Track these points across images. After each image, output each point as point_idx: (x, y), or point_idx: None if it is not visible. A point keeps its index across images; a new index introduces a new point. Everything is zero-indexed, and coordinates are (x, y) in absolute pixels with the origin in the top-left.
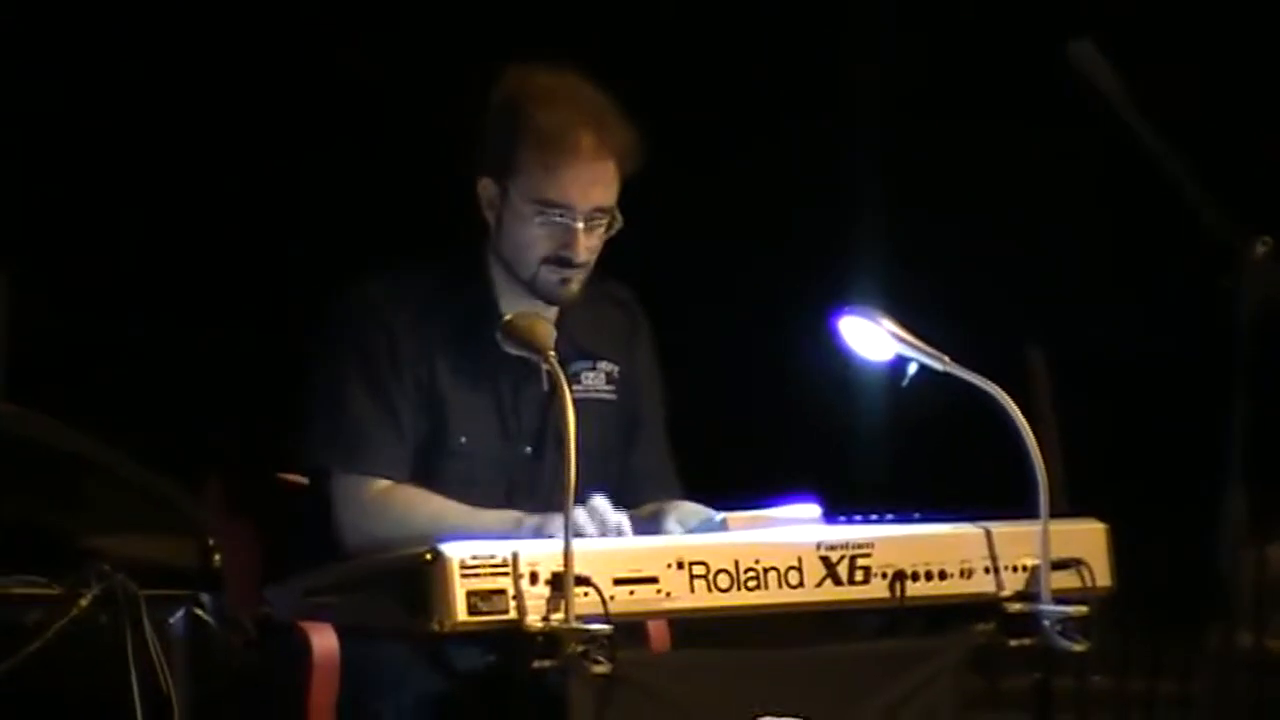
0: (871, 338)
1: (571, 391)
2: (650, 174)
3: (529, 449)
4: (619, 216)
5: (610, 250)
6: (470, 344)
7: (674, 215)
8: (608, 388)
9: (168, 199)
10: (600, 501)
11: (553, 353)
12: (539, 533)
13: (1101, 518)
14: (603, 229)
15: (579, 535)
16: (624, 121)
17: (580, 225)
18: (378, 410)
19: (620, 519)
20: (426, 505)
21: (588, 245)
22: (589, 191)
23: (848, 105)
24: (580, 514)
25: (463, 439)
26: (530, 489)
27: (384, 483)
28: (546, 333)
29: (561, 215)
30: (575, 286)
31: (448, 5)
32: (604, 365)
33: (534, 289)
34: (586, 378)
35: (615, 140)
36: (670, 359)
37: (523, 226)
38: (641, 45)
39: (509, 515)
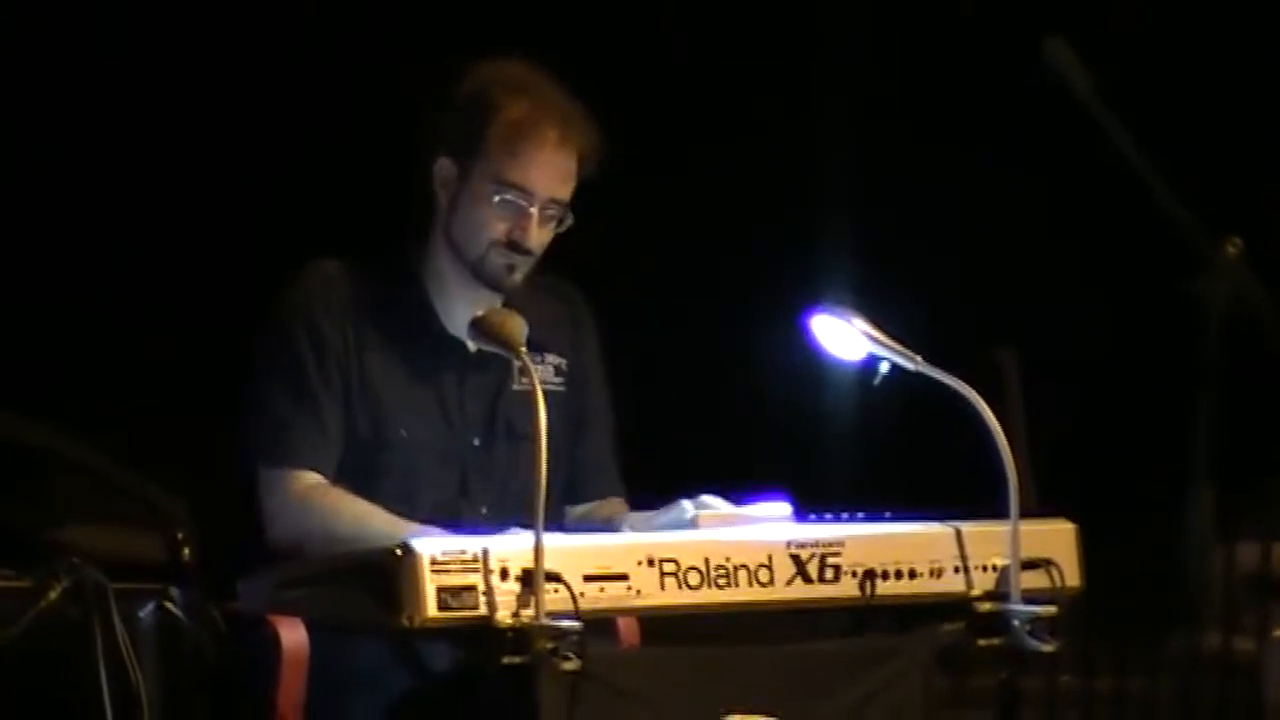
0: (843, 337)
1: (521, 383)
2: (621, 171)
3: (476, 440)
4: (570, 215)
5: (581, 248)
6: (407, 336)
7: (645, 213)
8: (556, 379)
9: (140, 193)
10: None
11: (524, 349)
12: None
13: (1069, 517)
14: (554, 223)
15: None
16: (589, 123)
17: (535, 211)
18: (299, 405)
19: None
20: (352, 510)
21: (539, 235)
22: (550, 180)
23: (818, 103)
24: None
25: (403, 432)
26: (483, 479)
27: (307, 477)
28: (518, 328)
29: (519, 198)
30: (519, 276)
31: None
32: (551, 357)
33: (480, 272)
34: (536, 369)
35: (579, 138)
36: (642, 357)
37: (479, 207)
38: (611, 44)
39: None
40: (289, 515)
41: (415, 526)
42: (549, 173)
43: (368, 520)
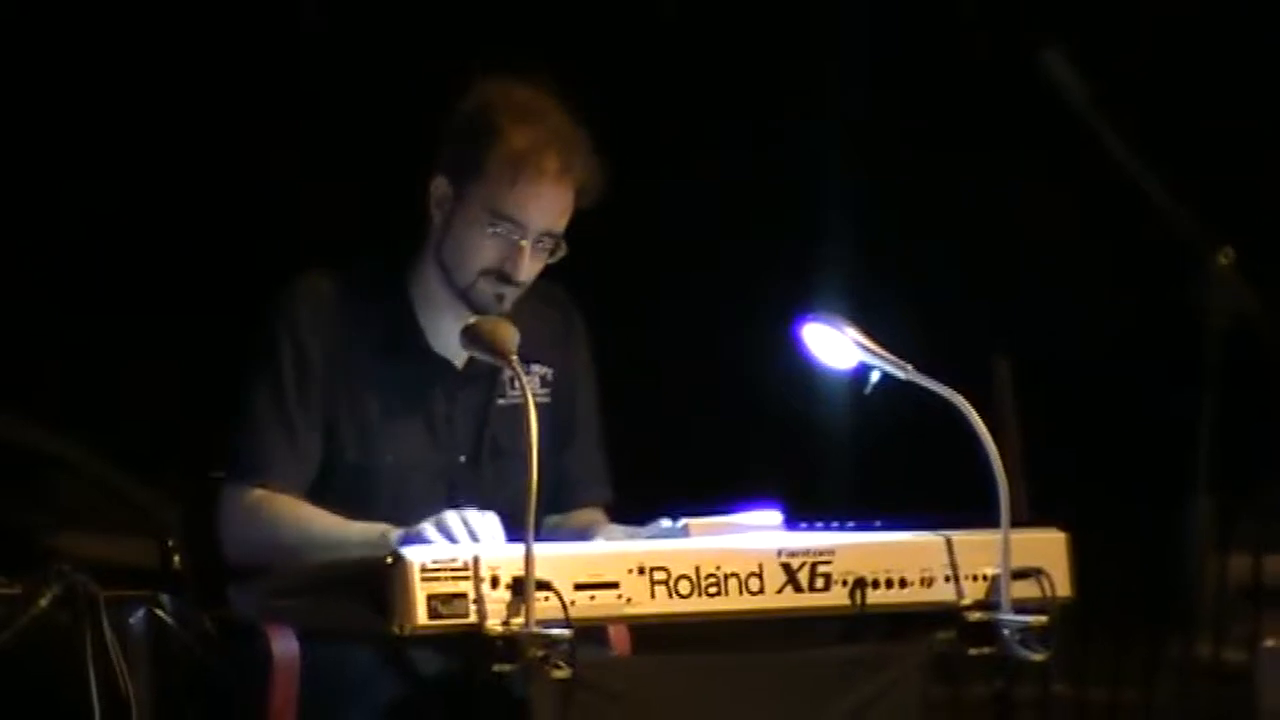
0: (835, 345)
1: (508, 396)
2: (620, 172)
3: (463, 457)
4: (564, 245)
5: (579, 250)
6: (395, 355)
7: (641, 219)
8: (542, 391)
9: (141, 194)
10: (472, 514)
11: (515, 357)
12: (407, 542)
13: (1064, 525)
14: (547, 254)
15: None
16: (591, 153)
17: (527, 244)
18: (273, 423)
19: (491, 531)
20: (294, 514)
21: (530, 266)
22: (545, 213)
23: (817, 110)
24: (454, 522)
25: (389, 457)
26: (470, 495)
27: (257, 492)
28: (510, 336)
29: (512, 231)
30: (508, 305)
31: (415, 7)
32: (538, 369)
33: (468, 298)
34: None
35: (579, 170)
36: (635, 363)
37: (471, 233)
38: (613, 49)
39: (375, 529)
40: (239, 530)
41: (360, 526)
42: (545, 206)
43: (309, 526)
